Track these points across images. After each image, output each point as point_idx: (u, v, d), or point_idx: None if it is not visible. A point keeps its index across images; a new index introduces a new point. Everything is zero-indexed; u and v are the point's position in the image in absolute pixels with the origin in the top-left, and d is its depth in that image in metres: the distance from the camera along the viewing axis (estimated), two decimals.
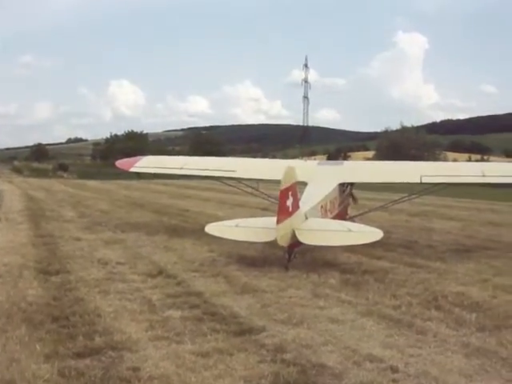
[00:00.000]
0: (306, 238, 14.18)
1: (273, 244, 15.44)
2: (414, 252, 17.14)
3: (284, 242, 13.96)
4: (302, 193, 16.13)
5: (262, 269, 14.05)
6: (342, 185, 18.91)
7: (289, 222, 13.94)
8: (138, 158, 23.55)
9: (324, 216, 16.43)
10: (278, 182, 16.87)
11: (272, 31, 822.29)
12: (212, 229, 15.75)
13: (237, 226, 15.44)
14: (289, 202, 13.99)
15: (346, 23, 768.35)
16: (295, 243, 14.23)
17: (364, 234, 14.98)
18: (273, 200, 19.51)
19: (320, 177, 18.52)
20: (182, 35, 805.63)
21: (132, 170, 22.70)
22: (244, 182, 21.91)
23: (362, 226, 15.98)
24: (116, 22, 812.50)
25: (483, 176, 18.17)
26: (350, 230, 14.75)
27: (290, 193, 14.06)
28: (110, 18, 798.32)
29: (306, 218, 14.89)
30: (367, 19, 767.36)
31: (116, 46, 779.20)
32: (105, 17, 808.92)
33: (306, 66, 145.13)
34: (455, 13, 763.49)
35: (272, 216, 14.77)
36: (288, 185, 14.02)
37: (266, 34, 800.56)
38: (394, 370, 7.57)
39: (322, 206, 16.47)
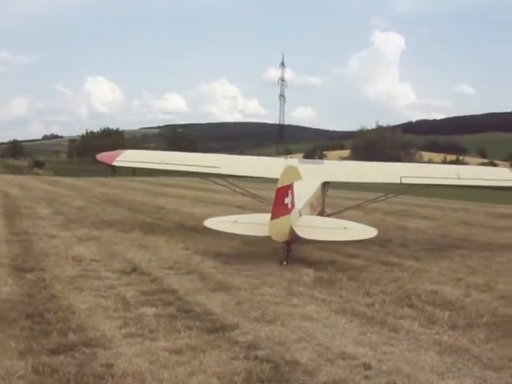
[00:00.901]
0: (305, 234, 14.66)
1: (248, 241, 15.82)
2: (388, 250, 17.31)
3: (280, 237, 14.45)
4: None
5: (237, 267, 14.13)
6: (323, 183, 19.36)
7: (287, 219, 14.38)
8: (119, 151, 23.30)
9: (311, 213, 16.82)
10: (260, 179, 18.83)
11: (249, 29, 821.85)
12: (211, 223, 16.24)
13: (236, 221, 15.94)
14: (287, 200, 14.47)
15: (323, 22, 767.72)
16: (293, 239, 14.60)
17: (359, 231, 15.59)
18: (266, 202, 20.02)
19: (304, 175, 17.96)
20: (158, 33, 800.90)
21: (114, 163, 22.44)
22: (227, 180, 22.46)
23: (355, 223, 16.27)
24: (92, 18, 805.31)
25: (459, 178, 19.03)
26: (345, 228, 15.44)
27: (289, 191, 14.56)
28: (86, 14, 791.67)
29: (300, 215, 15.29)
30: (344, 18, 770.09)
31: (92, 43, 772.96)
32: (81, 13, 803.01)
33: (282, 64, 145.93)
34: (432, 13, 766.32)
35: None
36: (287, 183, 14.50)
37: (242, 32, 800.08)
38: (367, 367, 7.61)
39: (310, 204, 16.94)
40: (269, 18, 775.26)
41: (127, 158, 22.49)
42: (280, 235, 14.38)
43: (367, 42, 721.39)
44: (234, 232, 15.69)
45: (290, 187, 14.61)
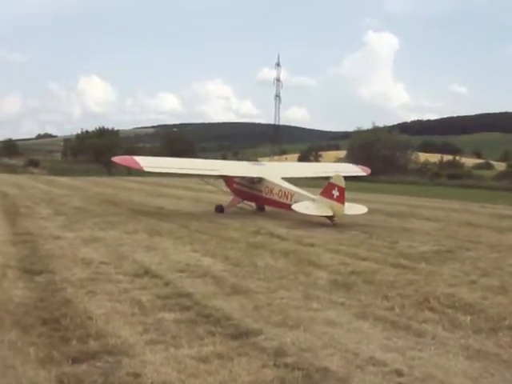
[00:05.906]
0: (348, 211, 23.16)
1: (255, 243, 16.06)
2: (397, 252, 16.99)
3: (339, 216, 22.96)
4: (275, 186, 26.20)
5: (248, 269, 13.91)
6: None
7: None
8: (128, 157, 28.13)
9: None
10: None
11: (242, 29, 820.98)
12: (296, 207, 23.45)
13: (307, 207, 23.26)
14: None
15: (316, 22, 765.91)
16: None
17: (359, 208, 24.00)
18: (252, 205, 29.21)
19: (271, 174, 27.37)
20: (152, 32, 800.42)
21: (146, 169, 26.14)
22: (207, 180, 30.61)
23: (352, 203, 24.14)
24: (87, 16, 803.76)
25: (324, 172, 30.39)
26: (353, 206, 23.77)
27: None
28: (81, 12, 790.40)
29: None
30: (338, 18, 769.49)
31: (87, 42, 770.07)
32: (76, 11, 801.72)
33: (278, 64, 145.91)
34: (426, 14, 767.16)
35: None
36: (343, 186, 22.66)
37: (236, 32, 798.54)
38: (399, 373, 7.41)
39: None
40: (263, 18, 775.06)
41: (149, 164, 26.68)
42: (339, 215, 22.80)
43: (361, 42, 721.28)
44: (309, 213, 23.20)
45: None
